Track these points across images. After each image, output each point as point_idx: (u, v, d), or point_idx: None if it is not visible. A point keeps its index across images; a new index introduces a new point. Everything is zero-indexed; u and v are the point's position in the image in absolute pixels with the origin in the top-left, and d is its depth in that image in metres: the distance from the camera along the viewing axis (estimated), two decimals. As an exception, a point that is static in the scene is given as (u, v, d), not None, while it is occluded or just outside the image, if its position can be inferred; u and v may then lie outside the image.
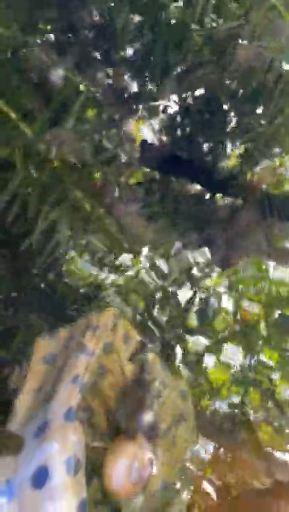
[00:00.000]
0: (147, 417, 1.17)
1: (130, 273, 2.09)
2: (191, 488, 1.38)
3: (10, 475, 0.92)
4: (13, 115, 0.83)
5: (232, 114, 2.05)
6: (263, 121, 1.94)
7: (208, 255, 2.06)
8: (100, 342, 1.20)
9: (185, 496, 1.32)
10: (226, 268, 2.21)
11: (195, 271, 2.22)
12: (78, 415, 1.04)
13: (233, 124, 2.03)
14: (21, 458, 0.94)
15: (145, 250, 2.18)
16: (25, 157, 0.88)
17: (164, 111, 2.10)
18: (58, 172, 0.92)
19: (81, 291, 1.78)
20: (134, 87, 1.90)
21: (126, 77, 1.86)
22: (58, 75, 1.04)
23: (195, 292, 2.14)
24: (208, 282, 2.18)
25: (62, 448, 0.94)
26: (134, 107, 1.97)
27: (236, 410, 2.00)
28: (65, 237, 1.03)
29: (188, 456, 1.36)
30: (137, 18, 1.61)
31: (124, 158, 1.61)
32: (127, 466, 1.01)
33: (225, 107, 2.01)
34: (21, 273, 1.39)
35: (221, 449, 1.92)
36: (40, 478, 0.90)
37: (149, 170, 2.11)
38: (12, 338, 1.28)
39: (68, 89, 1.04)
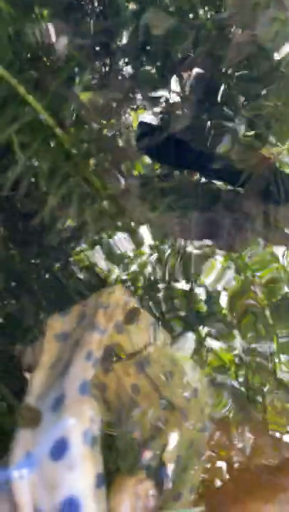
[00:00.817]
0: (147, 455, 1.18)
1: (135, 267, 2.08)
2: (203, 461, 1.40)
3: (29, 447, 0.93)
4: (21, 89, 0.83)
5: (233, 95, 2.03)
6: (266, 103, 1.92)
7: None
8: (112, 320, 1.21)
9: (198, 468, 1.34)
10: (231, 251, 2.19)
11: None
12: (92, 391, 1.05)
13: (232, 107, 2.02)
14: (39, 431, 0.96)
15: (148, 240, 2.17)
16: (34, 133, 0.88)
17: (166, 101, 2.07)
18: (65, 149, 0.92)
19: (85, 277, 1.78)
20: (132, 74, 1.88)
21: (124, 62, 1.84)
22: (61, 46, 1.03)
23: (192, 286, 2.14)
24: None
25: (80, 421, 0.95)
26: (132, 95, 1.95)
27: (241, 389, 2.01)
28: (74, 212, 1.03)
29: (201, 430, 1.39)
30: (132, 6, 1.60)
31: (122, 145, 1.60)
32: (131, 504, 1.03)
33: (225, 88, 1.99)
34: (28, 254, 1.39)
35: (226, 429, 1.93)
36: (59, 449, 0.91)
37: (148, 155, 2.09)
38: (21, 318, 1.29)
39: (72, 65, 1.03)
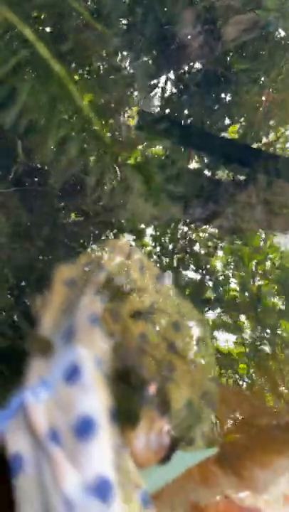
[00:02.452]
0: (152, 389, 1.18)
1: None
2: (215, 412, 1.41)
3: (43, 373, 0.95)
4: (30, 35, 0.84)
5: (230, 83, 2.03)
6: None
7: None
8: (114, 259, 1.23)
9: (208, 418, 1.35)
10: (232, 236, 2.21)
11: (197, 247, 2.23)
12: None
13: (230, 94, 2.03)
14: (52, 360, 0.98)
15: (149, 230, 2.18)
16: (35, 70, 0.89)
17: (162, 89, 2.08)
18: (65, 83, 0.93)
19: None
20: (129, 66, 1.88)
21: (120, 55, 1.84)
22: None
23: (204, 276, 2.14)
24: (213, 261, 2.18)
25: (91, 349, 0.97)
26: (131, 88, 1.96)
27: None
28: (76, 157, 1.04)
29: (211, 380, 1.39)
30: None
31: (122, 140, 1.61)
32: (145, 440, 1.04)
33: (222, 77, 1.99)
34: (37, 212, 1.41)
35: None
36: (72, 374, 0.93)
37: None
38: (31, 270, 1.31)
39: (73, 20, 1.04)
